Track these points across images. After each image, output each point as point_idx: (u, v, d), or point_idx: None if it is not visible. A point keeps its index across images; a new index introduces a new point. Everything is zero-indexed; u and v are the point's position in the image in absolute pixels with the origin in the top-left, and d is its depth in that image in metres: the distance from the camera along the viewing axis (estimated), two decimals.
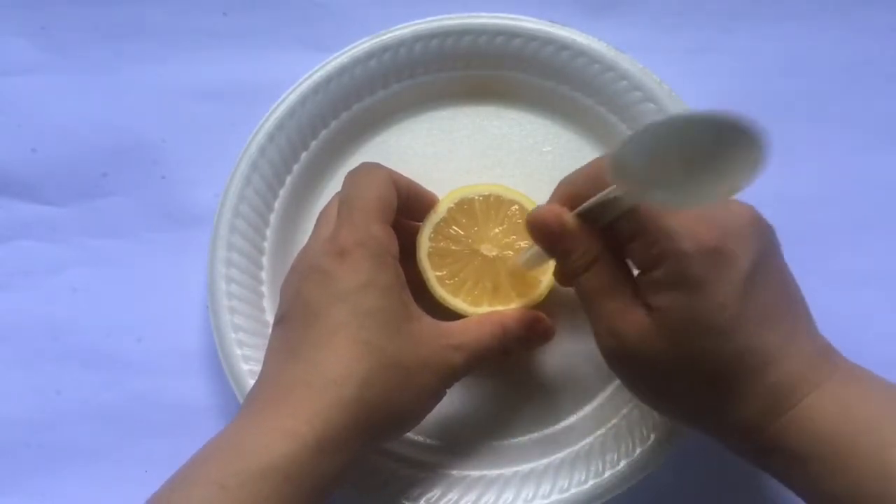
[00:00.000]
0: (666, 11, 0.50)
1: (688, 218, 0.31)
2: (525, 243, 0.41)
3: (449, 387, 0.38)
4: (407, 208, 0.40)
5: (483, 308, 0.41)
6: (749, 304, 0.31)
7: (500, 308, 0.41)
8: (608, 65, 0.45)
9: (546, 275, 0.41)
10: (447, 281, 0.41)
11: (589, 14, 0.49)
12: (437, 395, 0.38)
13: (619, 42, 0.46)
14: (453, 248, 0.41)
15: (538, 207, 0.35)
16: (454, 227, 0.41)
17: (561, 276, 0.38)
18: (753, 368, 0.31)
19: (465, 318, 0.39)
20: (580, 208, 0.34)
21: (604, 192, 0.32)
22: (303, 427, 0.32)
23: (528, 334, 0.40)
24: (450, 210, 0.41)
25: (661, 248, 0.31)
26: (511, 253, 0.41)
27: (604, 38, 0.45)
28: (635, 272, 0.34)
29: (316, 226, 0.40)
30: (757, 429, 0.32)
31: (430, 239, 0.41)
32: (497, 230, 0.42)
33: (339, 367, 0.34)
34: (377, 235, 0.36)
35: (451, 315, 0.40)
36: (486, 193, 0.42)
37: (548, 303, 0.45)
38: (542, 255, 0.37)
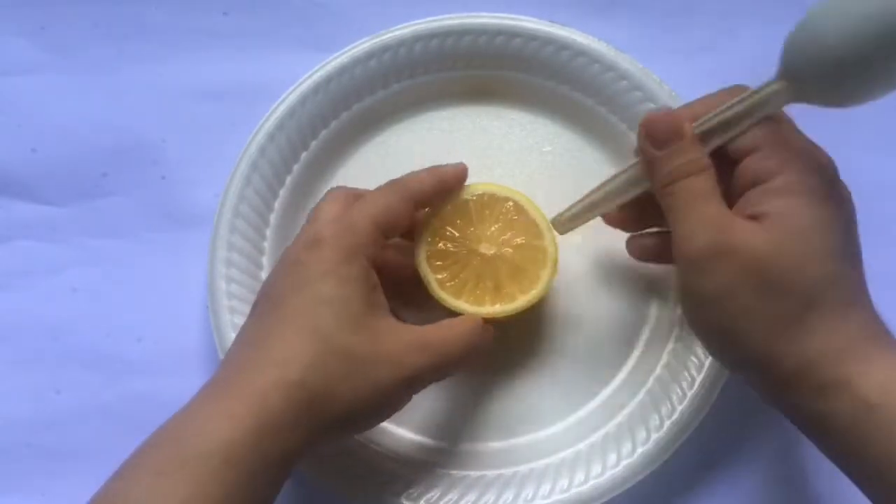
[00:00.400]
0: (666, 11, 0.50)
1: (804, 140, 0.34)
2: (521, 239, 0.41)
3: (415, 391, 0.37)
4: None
5: (486, 308, 0.40)
6: (850, 238, 0.33)
7: (502, 307, 0.40)
8: (608, 65, 0.45)
9: (546, 270, 0.41)
10: (448, 283, 0.41)
11: (589, 14, 0.49)
12: (395, 395, 0.36)
13: (619, 42, 0.46)
14: (451, 249, 0.41)
15: (653, 111, 0.36)
16: (450, 228, 0.41)
17: (656, 181, 0.35)
18: (843, 300, 0.32)
19: (441, 321, 0.38)
20: (701, 123, 0.35)
21: (735, 102, 0.34)
22: (242, 409, 0.32)
23: (484, 341, 0.40)
24: (445, 212, 0.41)
25: (783, 159, 0.33)
26: (510, 250, 0.41)
27: (604, 38, 0.45)
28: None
29: (307, 219, 0.39)
30: (829, 363, 0.31)
31: (428, 242, 0.41)
32: (493, 228, 0.41)
33: (286, 350, 0.33)
34: (357, 230, 0.36)
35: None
36: (480, 192, 0.42)
37: (549, 301, 0.45)
38: (594, 205, 0.40)
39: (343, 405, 0.34)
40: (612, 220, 0.42)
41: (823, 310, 0.32)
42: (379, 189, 0.38)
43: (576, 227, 0.42)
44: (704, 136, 0.35)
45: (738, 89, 0.35)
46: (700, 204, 0.33)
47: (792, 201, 0.32)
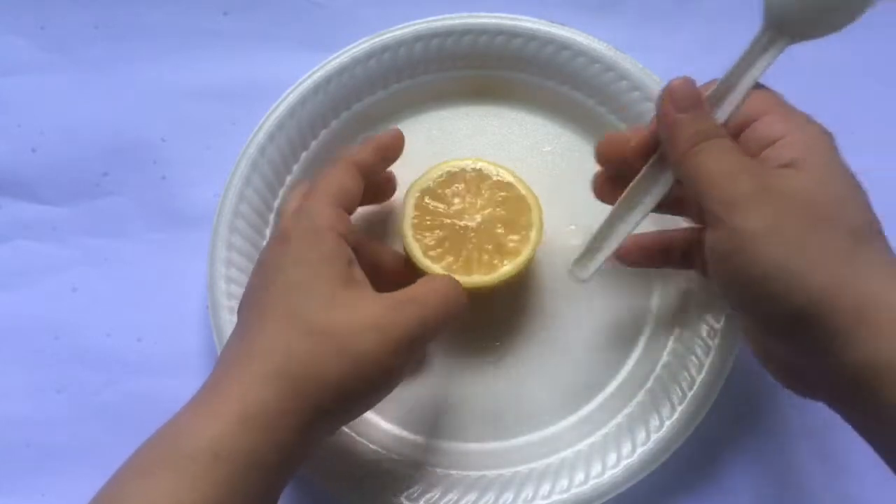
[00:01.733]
0: (666, 11, 0.50)
1: (803, 113, 0.34)
2: (507, 211, 0.42)
3: (409, 355, 0.35)
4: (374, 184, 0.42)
5: (473, 277, 0.41)
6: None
7: (485, 277, 0.41)
8: (608, 65, 0.45)
9: (530, 241, 0.42)
10: (432, 253, 0.41)
11: (589, 14, 0.49)
12: (387, 362, 0.34)
13: (619, 42, 0.46)
14: (437, 222, 0.42)
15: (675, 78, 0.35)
16: (436, 199, 0.42)
17: (680, 144, 0.34)
18: (884, 239, 0.32)
19: (418, 280, 0.37)
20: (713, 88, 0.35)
21: (731, 67, 0.35)
22: (226, 405, 0.32)
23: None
24: (432, 182, 0.42)
25: (793, 122, 0.33)
26: (496, 221, 0.42)
27: (604, 38, 0.45)
28: None
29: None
30: (883, 305, 0.30)
31: (414, 208, 0.42)
32: (480, 201, 0.42)
33: (265, 342, 0.33)
34: (319, 213, 0.36)
35: None
36: (467, 167, 0.43)
37: (549, 301, 0.45)
38: (612, 226, 0.38)
39: (332, 385, 0.33)
40: (629, 254, 0.41)
41: (873, 244, 0.31)
42: (327, 171, 0.39)
43: (598, 264, 0.39)
44: (711, 104, 0.35)
45: None
46: (733, 156, 0.33)
47: (816, 150, 0.33)
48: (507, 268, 0.41)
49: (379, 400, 0.36)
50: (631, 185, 0.37)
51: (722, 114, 0.35)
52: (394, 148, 0.42)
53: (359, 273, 0.36)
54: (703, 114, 0.34)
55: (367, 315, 0.34)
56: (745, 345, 0.36)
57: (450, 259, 0.41)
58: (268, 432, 0.32)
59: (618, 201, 0.38)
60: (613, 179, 0.40)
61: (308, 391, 0.33)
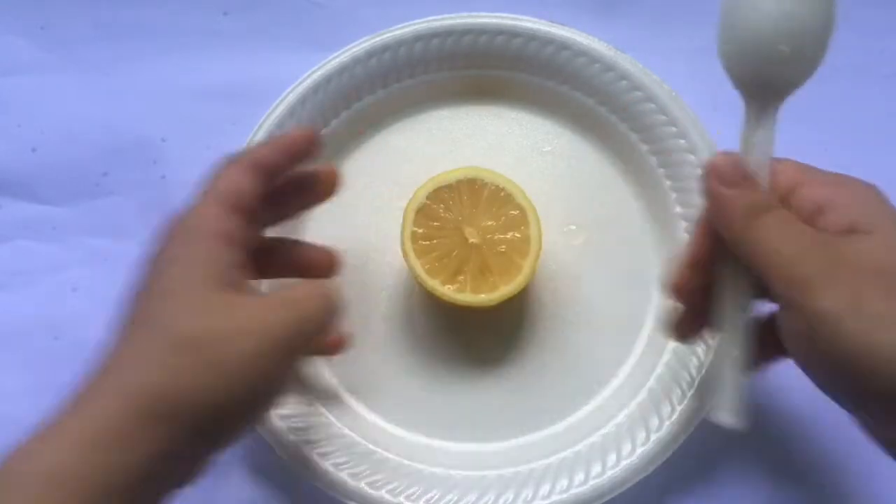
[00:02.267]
0: (666, 11, 0.50)
1: (832, 172, 0.33)
2: (506, 226, 0.42)
3: (288, 362, 0.32)
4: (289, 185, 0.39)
5: (465, 295, 0.41)
6: None
7: (487, 296, 0.41)
8: (608, 65, 0.45)
9: (529, 258, 0.41)
10: (430, 269, 0.41)
11: (589, 14, 0.49)
12: (262, 372, 0.31)
13: (619, 42, 0.46)
14: (435, 235, 0.42)
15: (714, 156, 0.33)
16: (435, 213, 0.42)
17: (736, 219, 0.32)
18: None
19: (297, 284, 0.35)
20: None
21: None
22: (73, 424, 0.28)
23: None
24: (428, 197, 0.42)
25: (832, 183, 0.32)
26: (494, 237, 0.42)
27: (604, 38, 0.45)
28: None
29: None
30: None
31: (412, 227, 0.42)
32: (479, 214, 0.42)
33: (128, 356, 0.30)
34: (198, 214, 0.34)
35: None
36: (466, 177, 0.42)
37: (549, 301, 0.45)
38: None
39: (200, 402, 0.30)
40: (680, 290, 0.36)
41: None
42: (226, 165, 0.36)
43: (742, 394, 0.34)
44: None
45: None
46: (795, 228, 0.31)
47: (869, 207, 0.31)
48: (510, 287, 0.41)
49: (261, 414, 0.33)
50: (719, 305, 0.34)
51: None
52: (302, 146, 0.38)
53: (239, 276, 0.33)
54: (754, 185, 0.32)
55: (239, 320, 0.31)
56: (866, 435, 0.32)
57: (451, 278, 0.42)
58: (122, 451, 0.28)
59: (719, 331, 0.34)
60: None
61: (175, 409, 0.29)
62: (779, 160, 0.33)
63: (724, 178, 0.32)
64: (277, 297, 0.33)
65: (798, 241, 0.30)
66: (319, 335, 0.34)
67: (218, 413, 0.30)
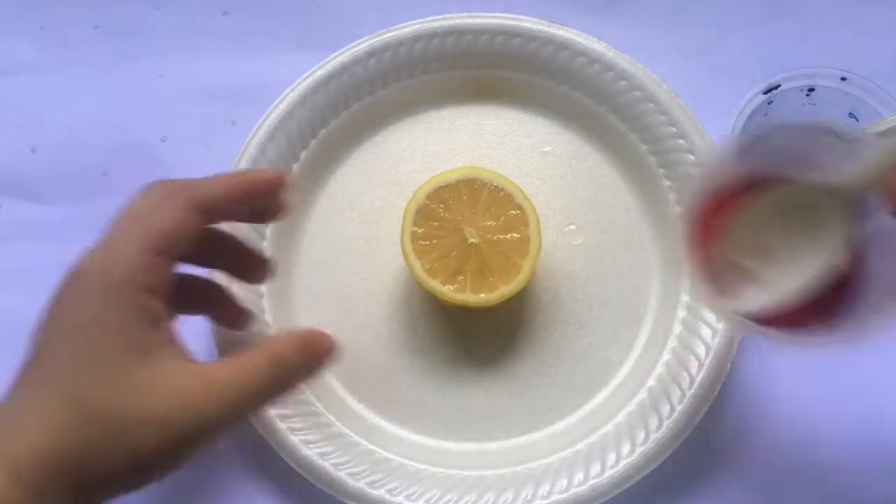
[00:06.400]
0: (666, 11, 0.50)
1: None
2: (506, 226, 0.42)
3: (199, 445, 0.30)
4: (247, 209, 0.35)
5: (465, 295, 0.41)
6: None
7: (486, 296, 0.41)
8: (608, 65, 0.45)
9: (527, 259, 0.41)
10: (430, 269, 0.41)
11: (589, 14, 0.49)
12: (172, 459, 0.30)
13: (619, 42, 0.46)
14: (435, 234, 0.42)
15: None
16: (434, 212, 0.42)
17: None
18: None
19: (230, 358, 0.32)
20: None
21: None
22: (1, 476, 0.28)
23: (310, 360, 0.34)
24: (428, 197, 0.42)
25: None
26: (494, 237, 0.42)
27: (604, 38, 0.46)
28: None
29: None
30: None
31: (412, 226, 0.42)
32: (478, 213, 0.42)
33: (42, 412, 0.29)
34: (122, 260, 0.30)
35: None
36: (466, 177, 0.42)
37: (549, 300, 0.45)
38: None
39: (108, 472, 0.29)
40: None
41: None
42: (161, 195, 0.32)
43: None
44: None
45: None
46: None
47: None
48: (509, 287, 0.41)
49: (164, 477, 0.31)
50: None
51: None
52: (265, 192, 0.34)
53: (163, 336, 0.31)
54: None
55: (151, 407, 0.29)
56: None
57: (451, 278, 0.41)
58: None
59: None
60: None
61: (81, 475, 0.29)
62: None
63: None
64: (200, 383, 0.30)
65: None
66: (268, 405, 0.32)
67: (113, 484, 0.30)
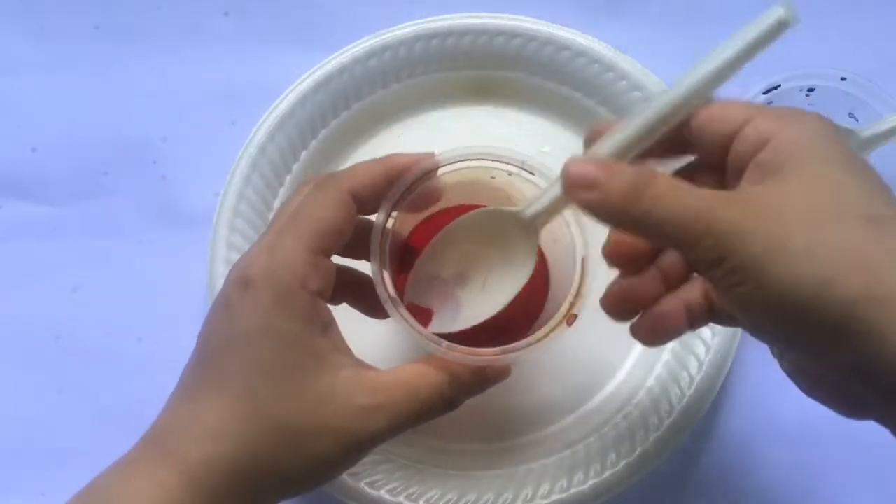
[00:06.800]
0: (666, 11, 0.50)
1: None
2: None
3: (368, 452, 0.32)
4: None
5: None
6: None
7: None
8: (608, 65, 0.45)
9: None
10: None
11: (589, 14, 0.49)
12: (343, 463, 0.32)
13: (619, 42, 0.46)
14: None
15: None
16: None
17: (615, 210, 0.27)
18: None
19: (400, 367, 0.33)
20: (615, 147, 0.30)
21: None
22: (173, 480, 0.29)
23: (483, 383, 0.35)
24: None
25: (777, 117, 0.28)
26: None
27: (604, 38, 0.46)
28: None
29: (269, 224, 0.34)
30: None
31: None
32: None
33: (220, 421, 0.30)
34: (291, 265, 0.31)
35: None
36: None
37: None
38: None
39: (282, 481, 0.31)
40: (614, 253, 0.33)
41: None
42: (308, 196, 0.32)
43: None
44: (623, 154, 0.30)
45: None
46: (692, 189, 0.26)
47: (810, 143, 0.27)
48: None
49: (331, 481, 0.33)
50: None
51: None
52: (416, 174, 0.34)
53: (332, 342, 0.32)
54: (616, 169, 0.27)
55: (329, 415, 0.30)
56: (785, 373, 0.31)
57: None
58: None
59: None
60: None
61: (256, 482, 0.30)
62: (726, 101, 0.29)
63: (582, 182, 0.27)
64: (374, 397, 0.31)
65: (700, 198, 0.26)
66: (436, 416, 0.33)
67: (289, 485, 0.31)
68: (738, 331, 0.43)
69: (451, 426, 0.44)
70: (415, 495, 0.42)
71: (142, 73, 0.49)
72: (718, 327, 0.43)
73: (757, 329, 0.28)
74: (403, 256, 0.38)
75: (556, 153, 0.47)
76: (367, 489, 0.42)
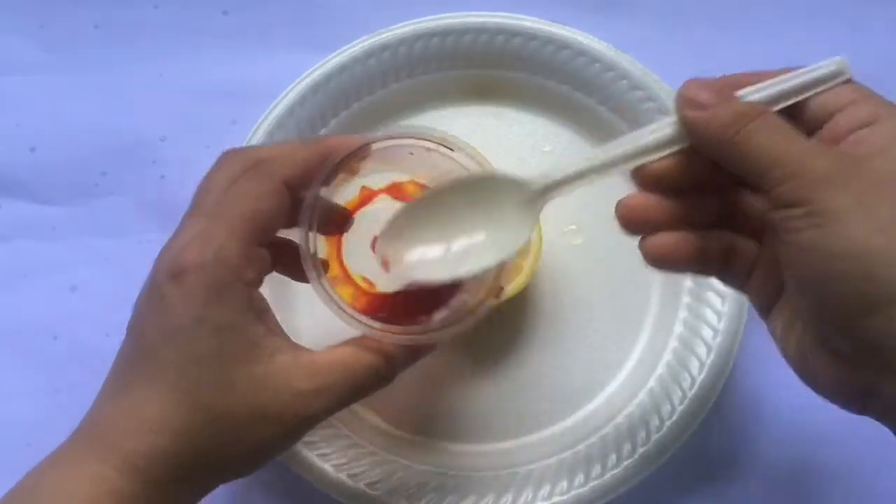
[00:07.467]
0: (666, 11, 0.50)
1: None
2: None
3: (307, 432, 0.33)
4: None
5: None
6: None
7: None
8: (608, 65, 0.45)
9: (527, 260, 0.41)
10: None
11: (589, 14, 0.49)
12: (284, 444, 0.33)
13: (619, 42, 0.46)
14: None
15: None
16: None
17: (716, 130, 0.29)
18: None
19: (335, 348, 0.33)
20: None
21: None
22: (111, 473, 0.29)
23: (413, 357, 0.35)
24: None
25: (878, 105, 0.29)
26: None
27: (604, 37, 0.45)
28: None
29: (190, 206, 0.33)
30: None
31: None
32: None
33: (159, 413, 0.30)
34: (225, 258, 0.30)
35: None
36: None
37: (548, 301, 0.45)
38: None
39: (222, 465, 0.31)
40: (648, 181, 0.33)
41: None
42: (247, 184, 0.32)
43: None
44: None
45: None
46: (793, 132, 0.28)
47: None
48: (509, 287, 0.41)
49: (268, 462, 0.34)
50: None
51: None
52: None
53: (268, 327, 0.32)
54: (732, 98, 0.30)
55: (267, 401, 0.31)
56: (787, 359, 0.31)
57: None
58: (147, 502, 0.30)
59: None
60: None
61: (199, 471, 0.31)
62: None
63: (696, 102, 0.30)
64: (311, 378, 0.31)
65: (800, 142, 0.28)
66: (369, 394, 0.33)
67: (233, 470, 0.32)
68: (740, 332, 0.43)
69: (452, 427, 0.44)
70: (415, 496, 0.42)
71: (141, 73, 0.49)
72: (720, 328, 0.43)
73: (801, 278, 0.28)
74: (341, 223, 0.38)
75: (556, 153, 0.47)
76: (367, 490, 0.42)
